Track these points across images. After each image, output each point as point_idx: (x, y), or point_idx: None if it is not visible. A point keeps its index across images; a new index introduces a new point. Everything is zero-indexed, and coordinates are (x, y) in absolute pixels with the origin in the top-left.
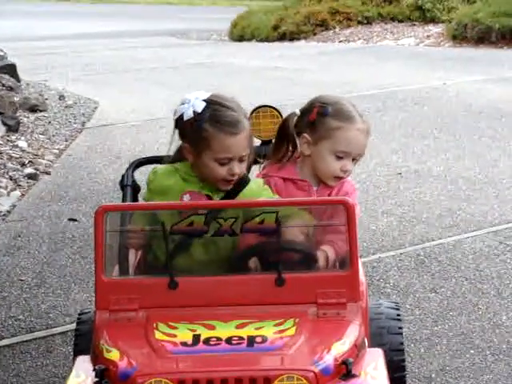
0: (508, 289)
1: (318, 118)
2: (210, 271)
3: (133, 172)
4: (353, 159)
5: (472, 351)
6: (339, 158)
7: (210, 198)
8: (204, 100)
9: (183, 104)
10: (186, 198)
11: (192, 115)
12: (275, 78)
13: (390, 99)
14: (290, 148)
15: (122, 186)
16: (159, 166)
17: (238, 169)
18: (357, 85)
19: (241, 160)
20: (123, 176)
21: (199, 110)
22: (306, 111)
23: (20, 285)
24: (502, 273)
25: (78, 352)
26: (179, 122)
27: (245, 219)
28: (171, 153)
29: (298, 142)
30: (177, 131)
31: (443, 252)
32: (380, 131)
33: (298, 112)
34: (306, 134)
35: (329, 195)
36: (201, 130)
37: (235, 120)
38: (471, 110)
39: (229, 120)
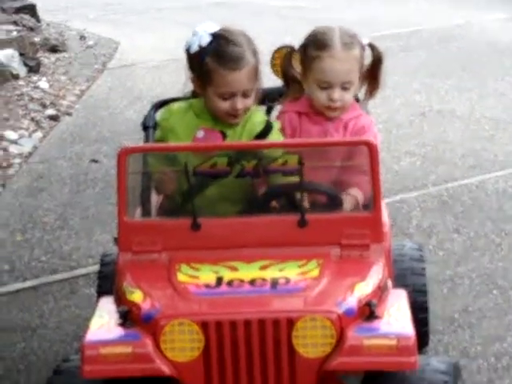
0: None
1: (301, 49)
2: (232, 212)
3: (155, 113)
4: (342, 87)
5: (495, 291)
6: (323, 88)
7: (223, 133)
8: (211, 33)
9: (192, 36)
10: (200, 134)
11: (197, 48)
12: (296, 18)
13: (412, 38)
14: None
15: (145, 127)
16: (174, 104)
17: (241, 104)
18: (379, 23)
19: (245, 95)
20: (145, 117)
21: (204, 43)
22: (301, 46)
23: (42, 226)
24: None
25: (101, 293)
26: (187, 55)
27: (267, 160)
28: (188, 89)
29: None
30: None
31: (466, 192)
32: (403, 71)
33: (287, 47)
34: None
35: (344, 128)
36: (204, 63)
37: (237, 55)
38: (495, 48)
39: (230, 55)
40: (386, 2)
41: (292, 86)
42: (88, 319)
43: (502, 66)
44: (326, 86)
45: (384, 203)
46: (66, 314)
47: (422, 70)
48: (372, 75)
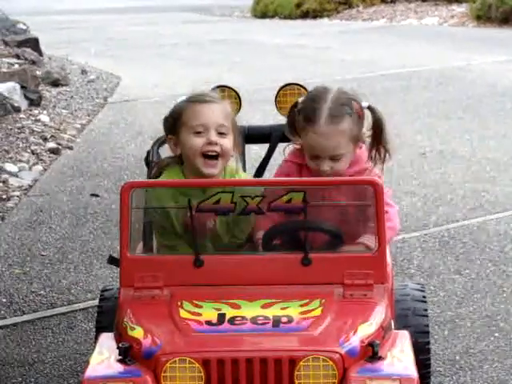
0: None
1: (294, 112)
2: (235, 250)
3: (158, 148)
4: (332, 159)
5: (496, 334)
6: (313, 157)
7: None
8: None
9: None
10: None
11: (173, 107)
12: (298, 56)
13: (413, 79)
14: None
15: (147, 163)
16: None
17: (216, 138)
18: (380, 64)
19: (220, 133)
20: (148, 152)
21: (178, 100)
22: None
23: (41, 260)
24: None
25: (100, 329)
26: (164, 123)
27: (272, 198)
28: None
29: None
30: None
31: (467, 233)
32: (404, 111)
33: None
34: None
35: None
36: (175, 109)
37: (208, 94)
38: (495, 90)
39: (200, 93)
40: (387, 42)
41: (296, 137)
42: (86, 354)
43: (502, 108)
44: (316, 157)
45: (389, 244)
46: (63, 349)
47: (422, 110)
48: (375, 140)
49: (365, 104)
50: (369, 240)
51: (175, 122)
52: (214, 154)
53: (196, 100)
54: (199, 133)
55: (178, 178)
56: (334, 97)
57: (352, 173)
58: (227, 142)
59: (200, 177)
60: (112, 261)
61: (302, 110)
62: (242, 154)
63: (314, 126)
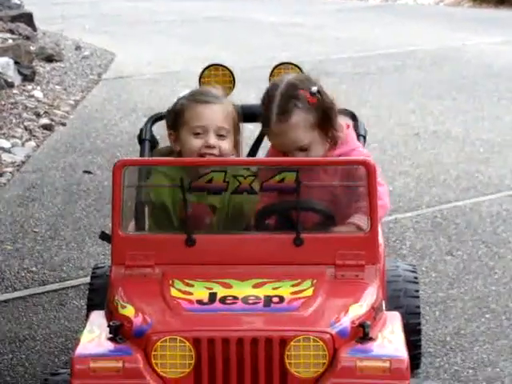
0: None
1: None
2: (227, 229)
3: (151, 126)
4: (302, 150)
5: (487, 315)
6: (283, 153)
7: (212, 207)
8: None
9: None
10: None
11: (175, 101)
12: (293, 34)
13: (408, 58)
14: None
15: (140, 140)
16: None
17: (215, 141)
18: (375, 43)
19: (219, 135)
20: (141, 130)
21: (182, 95)
22: None
23: (34, 236)
24: None
25: (91, 306)
26: (167, 115)
27: (264, 177)
28: None
29: None
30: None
31: (460, 214)
32: (398, 91)
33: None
34: None
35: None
36: (177, 105)
37: (210, 93)
38: (490, 71)
39: (203, 92)
40: (382, 22)
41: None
42: (77, 332)
43: (497, 89)
44: (285, 152)
45: (379, 223)
46: (54, 326)
47: (417, 91)
48: (324, 124)
49: (314, 89)
50: (360, 220)
51: (176, 119)
52: (211, 156)
53: (198, 100)
54: (198, 134)
55: (175, 174)
56: (282, 92)
57: (338, 154)
58: (226, 144)
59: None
60: (104, 237)
61: (261, 112)
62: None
63: (268, 127)
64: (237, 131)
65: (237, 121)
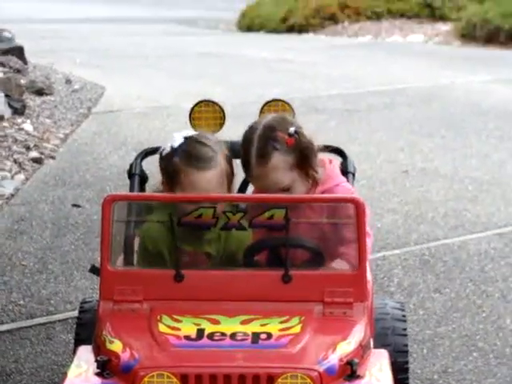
0: None
1: None
2: (216, 265)
3: (141, 161)
4: (284, 190)
5: (475, 354)
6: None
7: (208, 254)
8: (184, 137)
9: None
10: (184, 259)
11: (169, 150)
12: (284, 70)
13: (398, 96)
14: None
15: (130, 174)
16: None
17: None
18: (365, 80)
19: None
20: (131, 165)
21: (176, 144)
22: None
23: (21, 269)
24: (507, 275)
25: (78, 341)
26: (160, 158)
27: (254, 214)
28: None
29: None
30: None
31: (448, 252)
32: (387, 128)
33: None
34: None
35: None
36: (172, 163)
37: (206, 156)
38: (479, 109)
39: (198, 154)
40: (372, 59)
41: None
42: (64, 366)
43: (485, 128)
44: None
45: (367, 261)
46: (41, 360)
47: (406, 128)
48: (303, 164)
49: (291, 130)
50: (341, 265)
51: (170, 177)
52: None
53: (193, 165)
54: None
55: (166, 220)
56: (260, 135)
57: (322, 190)
58: (219, 207)
59: None
60: (94, 270)
61: (241, 156)
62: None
63: (248, 172)
64: (230, 179)
65: (230, 175)
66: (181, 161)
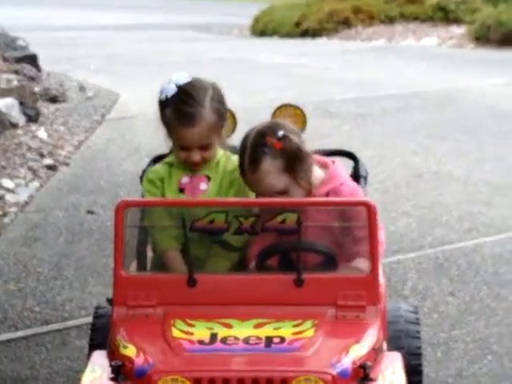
0: None
1: None
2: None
3: None
4: (282, 194)
5: (489, 357)
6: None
7: (207, 176)
8: (178, 85)
9: (167, 83)
10: (185, 179)
11: (164, 98)
12: (297, 75)
13: (412, 99)
14: None
15: (143, 180)
16: (156, 167)
17: (198, 156)
18: (379, 84)
19: (202, 148)
20: (143, 171)
21: (169, 94)
22: None
23: (36, 276)
24: None
25: (93, 346)
26: (158, 101)
27: (266, 218)
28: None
29: None
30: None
31: (462, 255)
32: (401, 131)
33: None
34: None
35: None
36: (165, 114)
37: (192, 113)
38: (494, 112)
39: (186, 112)
40: (386, 63)
41: None
42: (79, 371)
43: (500, 131)
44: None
45: (380, 264)
46: (57, 366)
47: (420, 132)
48: (290, 169)
49: (280, 134)
50: (361, 263)
51: (166, 126)
52: (195, 164)
53: (179, 121)
54: (183, 149)
55: (165, 171)
56: (251, 141)
57: (327, 191)
58: (210, 152)
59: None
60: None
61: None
62: None
63: (245, 176)
64: (219, 130)
65: (221, 124)
66: (170, 114)
